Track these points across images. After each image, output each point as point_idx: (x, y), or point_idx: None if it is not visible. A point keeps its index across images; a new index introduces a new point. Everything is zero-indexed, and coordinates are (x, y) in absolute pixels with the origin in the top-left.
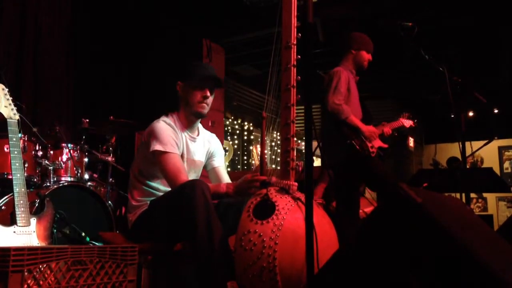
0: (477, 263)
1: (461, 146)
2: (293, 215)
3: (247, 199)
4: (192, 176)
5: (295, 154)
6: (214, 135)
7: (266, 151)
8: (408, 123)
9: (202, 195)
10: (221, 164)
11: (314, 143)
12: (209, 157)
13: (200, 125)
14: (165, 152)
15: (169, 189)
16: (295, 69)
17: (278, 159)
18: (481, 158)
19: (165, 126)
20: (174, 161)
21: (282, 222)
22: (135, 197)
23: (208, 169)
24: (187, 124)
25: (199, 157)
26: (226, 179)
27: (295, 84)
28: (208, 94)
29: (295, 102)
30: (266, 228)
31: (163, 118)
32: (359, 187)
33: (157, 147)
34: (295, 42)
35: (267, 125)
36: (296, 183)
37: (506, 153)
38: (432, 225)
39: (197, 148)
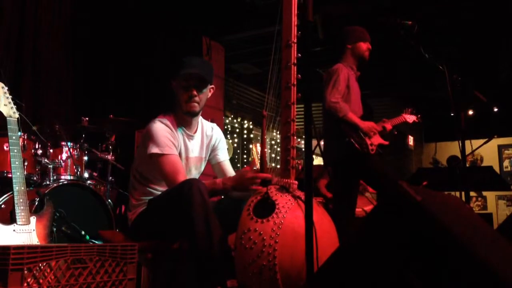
0: (477, 262)
1: (461, 144)
2: (293, 213)
3: (248, 197)
4: (194, 173)
5: (295, 152)
6: (215, 126)
7: (266, 150)
8: (411, 118)
9: (200, 194)
10: (225, 158)
11: (314, 142)
12: (212, 150)
13: (200, 118)
14: (162, 155)
15: None
16: (295, 67)
17: (278, 157)
18: (481, 157)
19: (161, 127)
20: (172, 162)
21: (282, 221)
22: (135, 196)
23: (212, 164)
24: (184, 123)
25: (199, 153)
26: (231, 173)
27: (295, 83)
28: (195, 93)
29: (295, 100)
30: (266, 226)
31: (159, 118)
32: (357, 185)
33: (154, 149)
34: (295, 41)
35: (267, 124)
36: (296, 182)
37: (506, 151)
38: (432, 224)
39: (195, 145)
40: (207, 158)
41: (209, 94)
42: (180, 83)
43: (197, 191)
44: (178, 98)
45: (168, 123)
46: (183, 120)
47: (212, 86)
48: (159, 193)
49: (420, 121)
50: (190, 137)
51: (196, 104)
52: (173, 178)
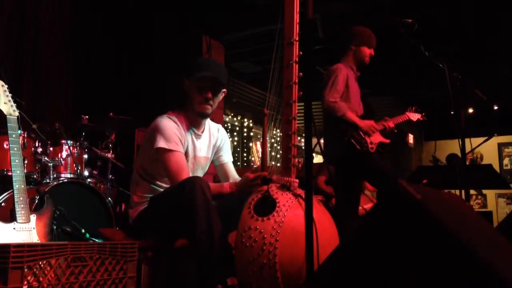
0: (477, 260)
1: (460, 142)
2: (293, 212)
3: (248, 196)
4: (199, 173)
5: (296, 150)
6: (221, 127)
7: (267, 148)
8: (415, 116)
9: (202, 192)
10: (229, 160)
11: (314, 140)
12: (217, 151)
13: (207, 119)
14: (169, 150)
15: None
16: (297, 65)
17: (279, 156)
18: (481, 155)
19: (169, 123)
20: (177, 159)
21: (282, 219)
22: (137, 193)
23: (216, 165)
24: (193, 122)
25: (205, 153)
26: (234, 175)
27: (297, 81)
28: (210, 96)
29: (297, 99)
30: (267, 224)
31: (168, 114)
32: (358, 184)
33: (161, 144)
34: (297, 39)
35: (268, 122)
36: (297, 180)
37: (506, 149)
38: (432, 222)
39: (202, 144)
40: (211, 159)
41: (221, 97)
42: (195, 84)
43: (199, 189)
44: (191, 98)
45: (177, 120)
46: (193, 120)
47: (224, 90)
48: (162, 190)
49: (425, 119)
50: (198, 136)
51: (209, 107)
52: (177, 175)
